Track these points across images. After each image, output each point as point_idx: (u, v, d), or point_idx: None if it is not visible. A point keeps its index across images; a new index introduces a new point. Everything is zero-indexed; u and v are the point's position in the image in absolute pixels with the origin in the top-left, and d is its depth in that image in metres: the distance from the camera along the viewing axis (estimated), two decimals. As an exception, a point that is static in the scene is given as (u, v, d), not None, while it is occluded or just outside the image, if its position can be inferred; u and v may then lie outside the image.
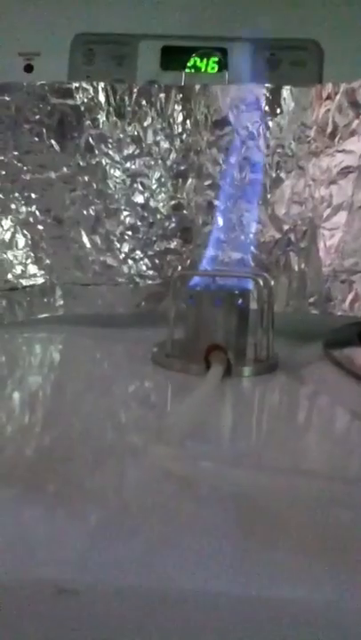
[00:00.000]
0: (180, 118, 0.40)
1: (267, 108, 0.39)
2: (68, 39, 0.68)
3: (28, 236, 0.41)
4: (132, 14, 0.67)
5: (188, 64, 0.68)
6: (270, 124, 0.39)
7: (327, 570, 0.16)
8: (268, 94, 0.39)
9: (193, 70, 0.68)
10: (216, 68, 0.67)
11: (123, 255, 0.41)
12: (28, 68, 0.68)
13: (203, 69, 0.68)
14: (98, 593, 0.15)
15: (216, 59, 0.68)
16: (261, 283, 0.33)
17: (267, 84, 0.39)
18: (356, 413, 0.28)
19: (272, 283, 0.34)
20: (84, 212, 0.40)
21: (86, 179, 0.40)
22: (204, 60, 0.68)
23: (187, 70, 0.67)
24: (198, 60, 0.68)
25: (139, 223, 0.41)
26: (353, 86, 0.37)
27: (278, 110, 0.39)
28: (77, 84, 0.39)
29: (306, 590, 0.15)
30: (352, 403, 0.29)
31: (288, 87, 0.39)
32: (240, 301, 0.33)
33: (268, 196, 0.40)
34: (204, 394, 0.27)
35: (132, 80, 0.67)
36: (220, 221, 0.40)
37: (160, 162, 0.41)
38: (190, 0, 0.66)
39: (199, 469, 0.21)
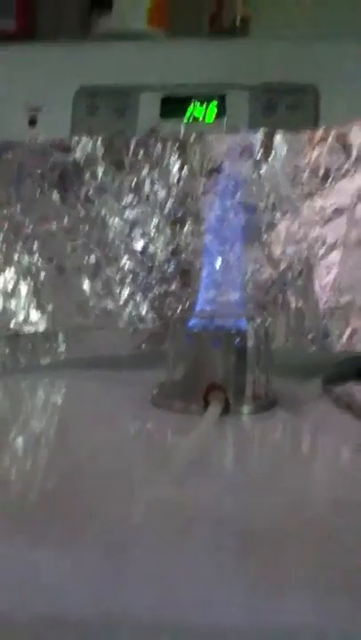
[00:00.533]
0: (177, 167, 0.41)
1: (261, 153, 0.40)
2: (71, 92, 0.70)
3: (31, 284, 0.42)
4: (132, 67, 0.70)
5: (188, 112, 0.70)
6: (265, 167, 0.40)
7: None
8: (261, 139, 0.40)
9: (192, 118, 0.70)
10: (214, 116, 0.70)
11: (123, 299, 0.42)
12: (32, 122, 0.71)
13: (201, 117, 0.70)
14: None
15: (215, 105, 0.70)
16: (258, 322, 0.34)
17: (260, 130, 0.41)
18: (357, 452, 0.28)
19: (268, 321, 0.35)
20: (85, 260, 0.42)
21: (86, 228, 0.41)
22: (203, 107, 0.70)
23: (186, 119, 0.69)
24: (197, 107, 0.70)
25: (138, 268, 0.42)
26: (343, 130, 0.38)
27: (272, 154, 0.40)
28: (77, 139, 0.41)
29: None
30: (352, 441, 0.30)
31: (281, 132, 0.40)
32: (237, 341, 0.34)
33: (265, 236, 0.40)
34: (200, 434, 0.27)
35: (132, 130, 0.69)
36: (218, 263, 0.41)
37: (158, 209, 0.42)
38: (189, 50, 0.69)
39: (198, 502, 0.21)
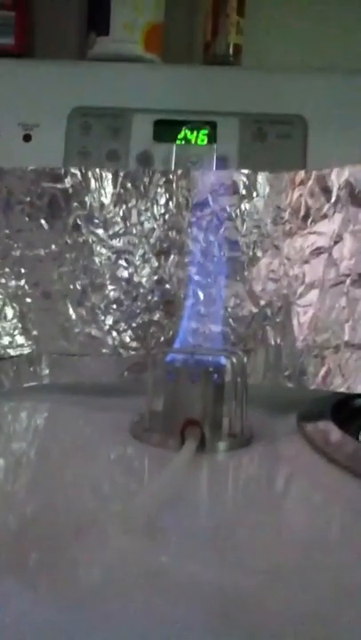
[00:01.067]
0: (163, 200, 0.43)
1: (244, 192, 0.42)
2: (66, 111, 0.71)
3: (17, 309, 0.43)
4: (126, 90, 0.71)
5: (179, 136, 0.71)
6: (247, 206, 0.42)
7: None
8: (244, 179, 0.42)
9: (184, 142, 0.71)
10: (205, 141, 0.71)
11: (107, 327, 0.43)
12: (27, 138, 0.72)
13: (193, 141, 0.71)
14: None
15: (206, 131, 0.71)
16: (235, 359, 0.35)
17: (243, 170, 0.42)
18: (328, 495, 0.29)
19: (245, 359, 0.36)
20: (71, 286, 0.42)
21: (73, 255, 0.42)
22: (195, 133, 0.71)
23: (178, 142, 0.70)
24: (189, 132, 0.71)
25: (123, 297, 0.43)
26: (323, 173, 0.39)
27: (255, 194, 0.41)
28: (66, 170, 0.42)
29: None
30: (323, 484, 0.31)
31: (263, 173, 0.41)
32: (215, 377, 0.35)
33: (246, 273, 0.42)
34: (174, 473, 0.28)
35: (125, 151, 0.71)
36: (201, 295, 0.42)
37: (144, 239, 0.43)
38: (182, 76, 0.70)
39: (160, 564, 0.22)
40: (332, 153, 0.62)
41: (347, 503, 0.29)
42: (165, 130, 0.71)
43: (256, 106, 0.70)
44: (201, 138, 0.71)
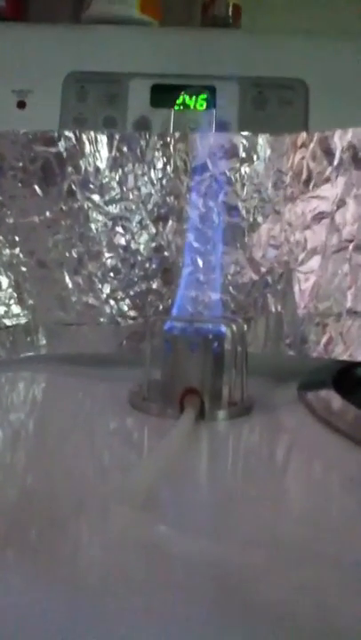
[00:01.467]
0: (160, 164, 0.41)
1: (243, 155, 0.40)
2: (61, 77, 0.70)
3: (12, 278, 0.42)
4: (123, 54, 0.69)
5: (178, 102, 0.69)
6: (247, 170, 0.40)
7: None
8: (244, 141, 0.40)
9: (182, 108, 0.69)
10: (205, 106, 0.69)
11: (105, 295, 0.42)
12: (21, 105, 0.70)
13: (191, 107, 0.69)
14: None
15: (205, 97, 0.69)
16: (234, 327, 0.34)
17: (243, 133, 0.40)
18: (329, 466, 0.29)
19: (245, 327, 0.35)
20: (67, 255, 0.41)
21: (69, 222, 0.41)
22: (193, 98, 0.70)
23: (176, 108, 0.69)
24: (187, 97, 0.70)
25: (120, 265, 0.42)
26: (326, 135, 0.38)
27: (255, 157, 0.40)
28: (60, 133, 0.41)
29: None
30: (325, 453, 0.30)
31: (264, 135, 0.40)
32: (215, 345, 0.34)
33: (246, 239, 0.41)
34: (172, 443, 0.27)
35: (122, 117, 0.69)
36: (200, 263, 0.41)
37: (141, 205, 0.42)
38: (180, 39, 0.68)
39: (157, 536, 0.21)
40: (334, 119, 0.60)
41: (350, 473, 0.28)
42: (163, 95, 0.69)
43: (256, 69, 0.68)
44: (200, 103, 0.70)
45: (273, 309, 0.40)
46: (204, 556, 0.20)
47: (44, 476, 0.26)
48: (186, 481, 0.26)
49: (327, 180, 0.38)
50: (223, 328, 0.34)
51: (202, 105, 0.70)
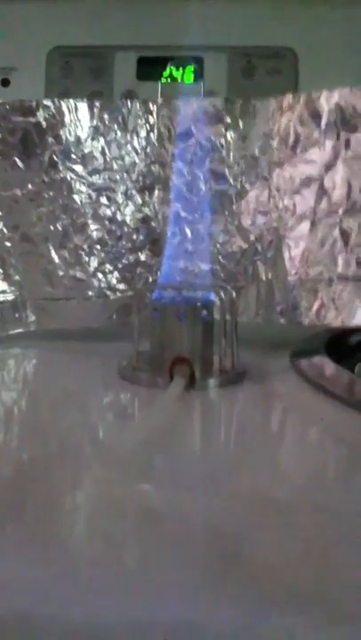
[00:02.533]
0: (144, 132, 0.40)
1: (229, 120, 0.39)
2: (44, 52, 0.68)
3: (-4, 253, 0.41)
4: (107, 26, 0.68)
5: (165, 74, 0.68)
6: (233, 135, 0.39)
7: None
8: (229, 106, 0.39)
9: (169, 80, 0.68)
10: (192, 78, 0.68)
11: (92, 269, 0.41)
12: (5, 83, 0.69)
13: (179, 79, 0.68)
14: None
15: (192, 68, 0.68)
16: (223, 295, 0.33)
17: (227, 97, 0.40)
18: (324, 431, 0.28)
19: (235, 295, 0.34)
20: (52, 228, 0.41)
21: (52, 194, 0.40)
22: (181, 70, 0.68)
23: (163, 80, 0.68)
24: (174, 69, 0.68)
25: (107, 237, 0.41)
26: (312, 97, 0.37)
27: (240, 122, 0.39)
28: (38, 102, 0.39)
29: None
30: (319, 418, 0.29)
31: (250, 98, 0.39)
32: (204, 313, 0.33)
33: (234, 206, 0.40)
34: (161, 408, 0.27)
35: (109, 91, 0.68)
36: (188, 232, 0.40)
37: (125, 175, 0.41)
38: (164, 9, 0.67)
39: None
40: (324, 87, 0.59)
41: (344, 437, 0.27)
42: (150, 67, 0.68)
43: (244, 39, 0.67)
44: (187, 75, 0.68)
45: (263, 277, 0.39)
46: (193, 517, 0.19)
47: (37, 444, 0.26)
48: (176, 445, 0.25)
49: (315, 143, 0.37)
50: (212, 296, 0.34)
51: (189, 77, 0.68)
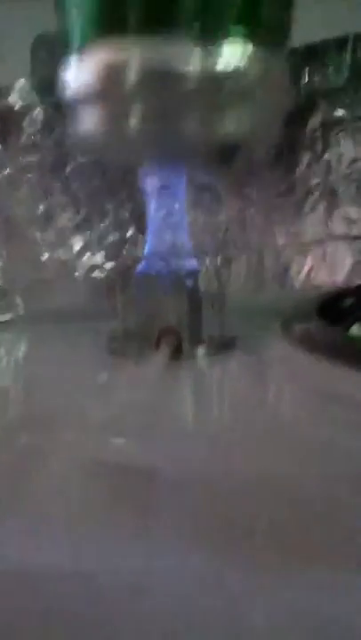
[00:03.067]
0: None
1: None
2: (29, 40, 0.67)
3: (-21, 238, 0.40)
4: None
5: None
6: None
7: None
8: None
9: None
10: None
11: (78, 249, 0.41)
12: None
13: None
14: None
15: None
16: (209, 263, 0.33)
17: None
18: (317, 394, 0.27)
19: (219, 261, 0.34)
20: (34, 210, 0.40)
21: (31, 176, 0.40)
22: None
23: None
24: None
25: (91, 215, 0.40)
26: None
27: None
28: (12, 84, 0.39)
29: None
30: (311, 381, 0.29)
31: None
32: (189, 283, 0.32)
33: None
34: (144, 377, 0.26)
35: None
36: (174, 205, 0.39)
37: (106, 151, 0.40)
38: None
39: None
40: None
41: (339, 398, 0.26)
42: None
43: None
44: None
45: (253, 246, 0.38)
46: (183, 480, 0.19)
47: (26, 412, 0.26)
48: (163, 410, 0.25)
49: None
50: (197, 265, 0.33)
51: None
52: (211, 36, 0.26)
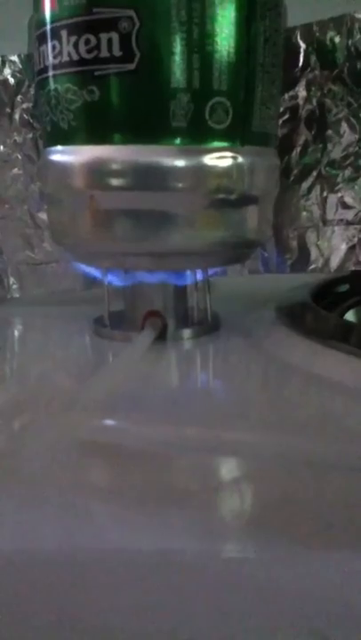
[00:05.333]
0: None
1: None
2: (25, 18, 0.66)
3: (-27, 219, 0.40)
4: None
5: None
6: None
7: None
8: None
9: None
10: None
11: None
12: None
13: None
14: None
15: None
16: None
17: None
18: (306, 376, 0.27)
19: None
20: (28, 190, 0.40)
21: (25, 155, 0.39)
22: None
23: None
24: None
25: None
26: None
27: None
28: (3, 57, 0.38)
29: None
30: (303, 362, 0.28)
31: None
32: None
33: None
34: (127, 358, 0.26)
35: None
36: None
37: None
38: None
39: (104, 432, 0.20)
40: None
41: (331, 384, 0.26)
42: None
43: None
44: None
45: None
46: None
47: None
48: (145, 388, 0.25)
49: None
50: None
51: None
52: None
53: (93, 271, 0.34)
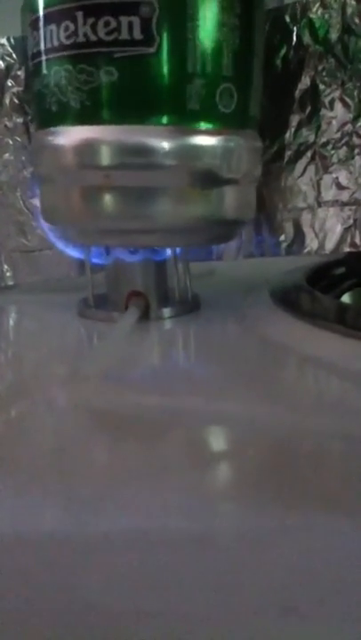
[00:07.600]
0: None
1: None
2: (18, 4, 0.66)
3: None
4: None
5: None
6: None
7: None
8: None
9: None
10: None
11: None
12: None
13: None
14: None
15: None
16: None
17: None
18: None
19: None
20: (19, 176, 0.39)
21: (16, 140, 0.39)
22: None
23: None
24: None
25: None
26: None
27: None
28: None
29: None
30: (285, 335, 0.28)
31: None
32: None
33: None
34: (113, 337, 0.26)
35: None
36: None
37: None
38: None
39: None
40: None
41: (326, 364, 0.26)
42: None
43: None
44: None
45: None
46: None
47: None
48: (129, 366, 0.25)
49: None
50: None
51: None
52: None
53: (77, 253, 0.34)
